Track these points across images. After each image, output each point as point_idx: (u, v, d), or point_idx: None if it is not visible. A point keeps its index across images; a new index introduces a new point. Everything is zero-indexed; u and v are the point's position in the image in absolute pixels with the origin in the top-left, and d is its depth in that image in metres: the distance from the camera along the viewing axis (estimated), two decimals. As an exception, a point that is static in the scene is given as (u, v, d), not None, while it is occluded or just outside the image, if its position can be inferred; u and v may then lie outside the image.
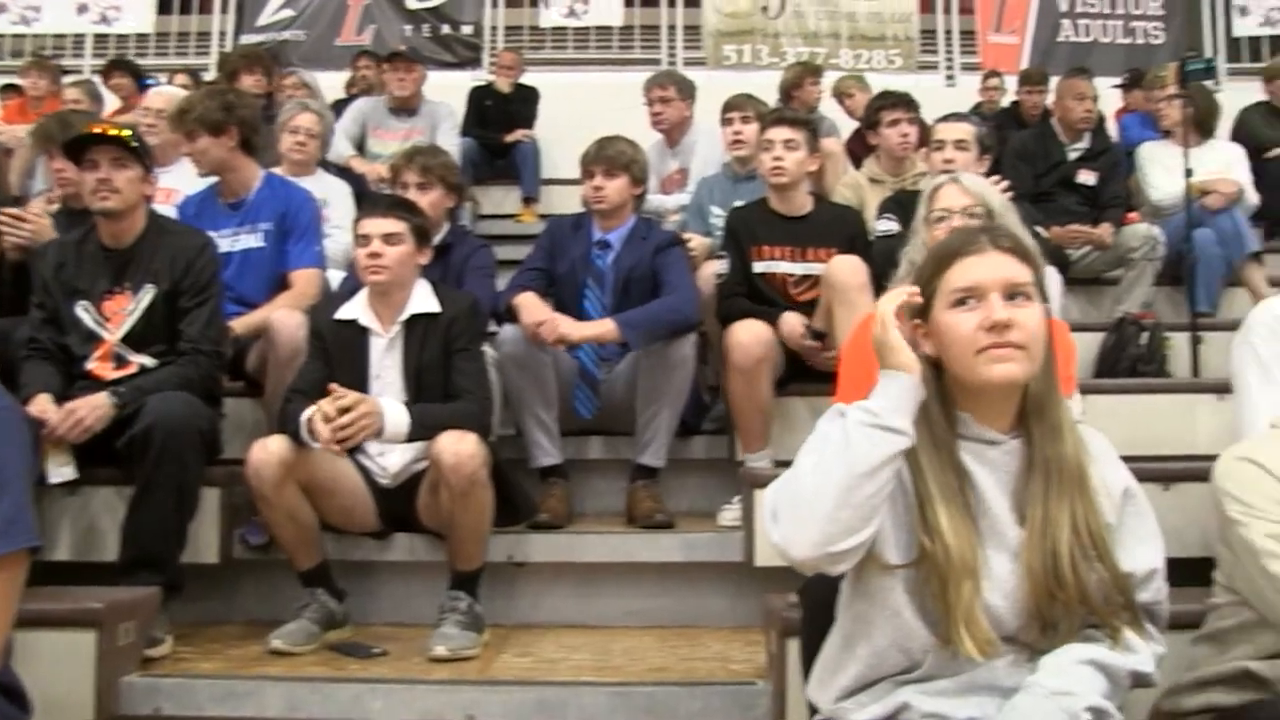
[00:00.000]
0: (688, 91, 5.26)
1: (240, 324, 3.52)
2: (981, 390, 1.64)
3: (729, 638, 3.02)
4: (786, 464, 1.64)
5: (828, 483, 1.53)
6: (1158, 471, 2.80)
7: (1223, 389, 3.05)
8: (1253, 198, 5.27)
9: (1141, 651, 1.63)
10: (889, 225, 3.84)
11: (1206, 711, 1.80)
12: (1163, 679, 1.72)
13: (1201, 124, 5.22)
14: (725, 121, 4.70)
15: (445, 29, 8.91)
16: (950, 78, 8.85)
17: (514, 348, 3.45)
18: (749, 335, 3.43)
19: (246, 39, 8.60)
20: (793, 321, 3.54)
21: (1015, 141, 5.45)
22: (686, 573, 3.25)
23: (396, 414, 2.91)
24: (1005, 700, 1.56)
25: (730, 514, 3.38)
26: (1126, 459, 1.77)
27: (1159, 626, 1.71)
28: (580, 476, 3.69)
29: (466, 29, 8.94)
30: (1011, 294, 1.63)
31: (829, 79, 6.82)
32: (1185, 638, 1.90)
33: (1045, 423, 1.66)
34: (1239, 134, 6.10)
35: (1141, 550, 1.69)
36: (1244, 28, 8.77)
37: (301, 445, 2.87)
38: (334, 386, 2.85)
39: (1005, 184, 3.12)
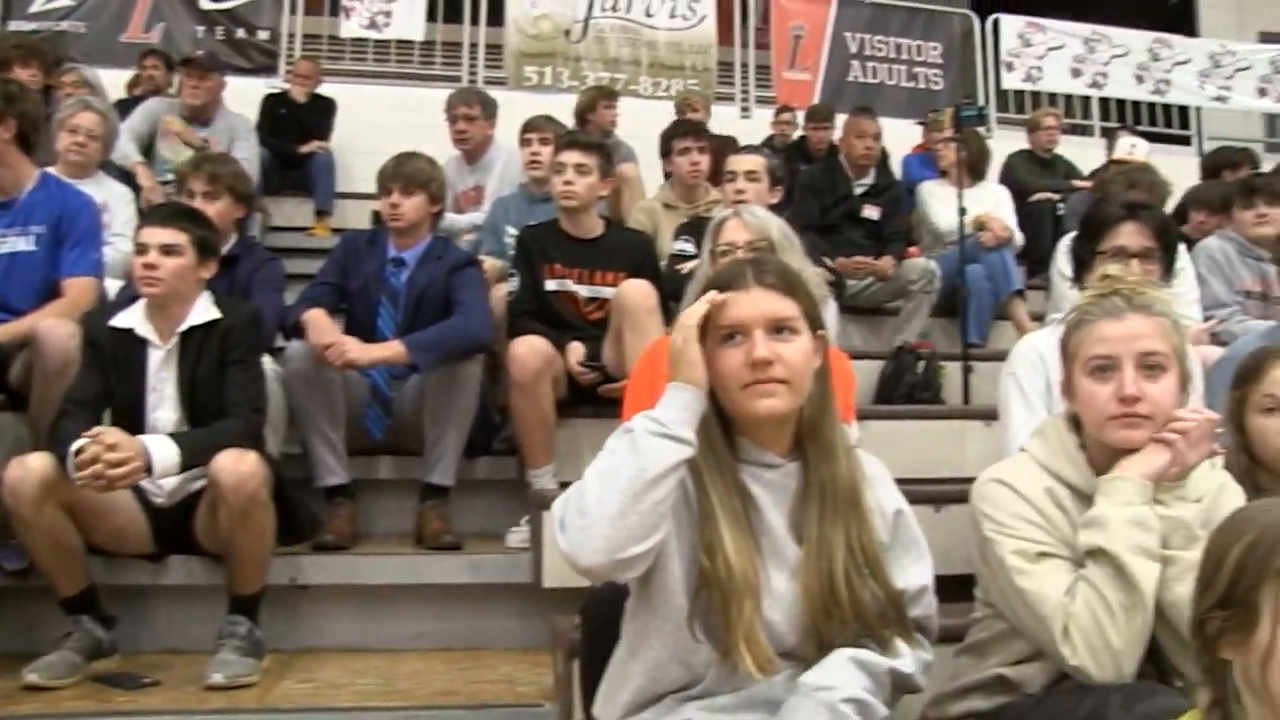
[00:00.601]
0: (491, 110, 5.27)
1: (3, 332, 3.29)
2: (751, 420, 1.70)
3: (517, 659, 3.02)
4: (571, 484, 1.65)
5: (614, 489, 1.55)
6: (930, 494, 2.94)
7: (990, 416, 3.22)
8: (1019, 237, 5.65)
9: (905, 655, 1.70)
10: (685, 246, 3.93)
11: (967, 717, 1.91)
12: (930, 688, 1.81)
13: (974, 166, 5.60)
14: (524, 142, 4.75)
15: (240, 33, 8.57)
16: (745, 110, 9.14)
17: (301, 364, 3.36)
18: (525, 348, 3.44)
19: (16, 25, 7.99)
20: (572, 359, 3.58)
21: (804, 175, 5.68)
22: (474, 594, 3.23)
23: (164, 451, 2.76)
24: (784, 714, 1.61)
25: (518, 535, 3.37)
26: (902, 482, 1.86)
27: (929, 639, 1.80)
28: (369, 496, 3.62)
29: (263, 34, 8.62)
30: (776, 328, 1.68)
31: (629, 104, 6.93)
32: (951, 650, 2.00)
33: (820, 447, 1.72)
34: (1006, 178, 6.57)
35: (913, 569, 1.78)
36: (1010, 81, 9.46)
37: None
38: (97, 430, 2.69)
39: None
